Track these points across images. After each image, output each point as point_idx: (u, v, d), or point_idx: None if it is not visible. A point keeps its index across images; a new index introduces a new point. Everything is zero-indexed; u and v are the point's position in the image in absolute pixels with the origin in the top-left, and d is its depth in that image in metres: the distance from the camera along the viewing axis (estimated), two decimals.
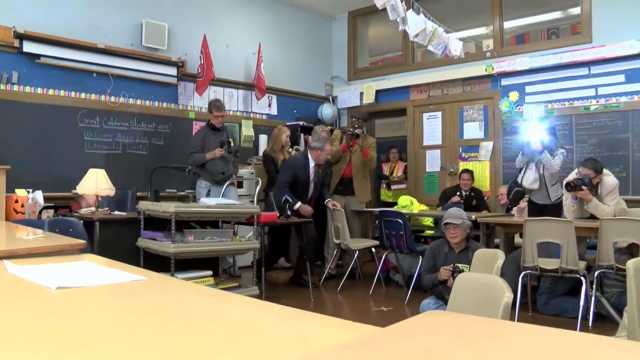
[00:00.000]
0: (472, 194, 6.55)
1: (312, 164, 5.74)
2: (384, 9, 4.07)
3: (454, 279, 3.95)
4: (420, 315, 1.23)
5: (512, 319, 4.12)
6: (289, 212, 5.12)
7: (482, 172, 6.91)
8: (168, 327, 1.18)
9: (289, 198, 5.22)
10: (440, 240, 4.50)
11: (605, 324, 4.16)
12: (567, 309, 4.43)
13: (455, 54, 4.88)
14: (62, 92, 5.75)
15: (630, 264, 1.79)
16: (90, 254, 2.24)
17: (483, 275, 1.72)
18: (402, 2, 3.86)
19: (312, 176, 5.76)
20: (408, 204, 6.43)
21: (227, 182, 5.44)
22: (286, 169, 5.78)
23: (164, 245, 4.01)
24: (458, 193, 6.56)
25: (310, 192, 5.81)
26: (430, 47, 4.58)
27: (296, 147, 7.29)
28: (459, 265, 4.07)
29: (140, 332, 1.14)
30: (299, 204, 5.50)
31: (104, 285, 1.62)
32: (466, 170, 6.65)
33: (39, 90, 5.60)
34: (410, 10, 4.10)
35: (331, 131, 6.41)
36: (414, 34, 4.22)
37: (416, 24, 4.13)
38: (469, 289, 1.64)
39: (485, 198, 6.74)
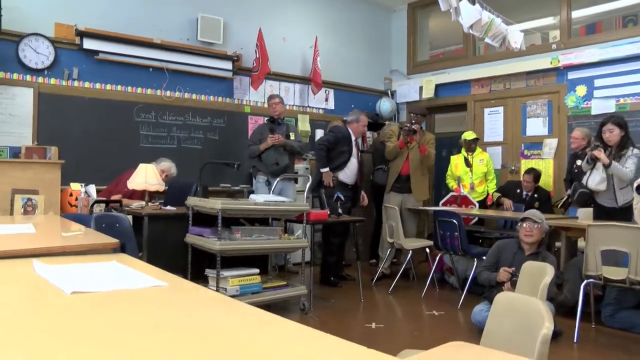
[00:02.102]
0: (536, 195, 6.21)
1: (353, 138, 5.83)
2: None
3: (512, 284, 3.75)
4: (445, 347, 1.09)
5: (571, 331, 3.88)
6: (340, 210, 5.00)
7: (545, 171, 6.54)
8: (168, 343, 1.09)
9: (340, 196, 5.10)
10: (510, 240, 4.29)
11: None
12: (636, 323, 4.09)
13: (516, 47, 4.60)
14: (119, 87, 5.87)
15: None
16: (121, 254, 2.20)
17: (525, 298, 1.54)
18: None
19: (354, 150, 5.80)
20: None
21: (282, 176, 5.44)
22: (330, 132, 6.00)
23: (210, 242, 3.99)
24: (518, 191, 6.26)
25: (355, 166, 5.79)
26: (487, 40, 4.33)
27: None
28: None
29: (140, 346, 1.06)
30: (326, 168, 5.64)
31: (120, 291, 1.56)
32: (530, 171, 6.26)
33: (97, 86, 5.73)
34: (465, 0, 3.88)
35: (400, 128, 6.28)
36: (468, 25, 3.99)
37: (470, 14, 3.90)
38: (508, 310, 1.48)
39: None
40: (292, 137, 5.90)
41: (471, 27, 3.99)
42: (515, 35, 4.50)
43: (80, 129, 5.57)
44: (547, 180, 6.52)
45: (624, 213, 4.66)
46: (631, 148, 4.69)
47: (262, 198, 4.36)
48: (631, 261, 3.79)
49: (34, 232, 2.67)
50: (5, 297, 1.46)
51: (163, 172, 5.03)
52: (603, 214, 4.80)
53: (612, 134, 4.66)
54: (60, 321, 1.24)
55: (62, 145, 5.24)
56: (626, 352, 3.69)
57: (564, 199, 5.72)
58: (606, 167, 4.62)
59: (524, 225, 4.04)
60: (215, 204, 3.96)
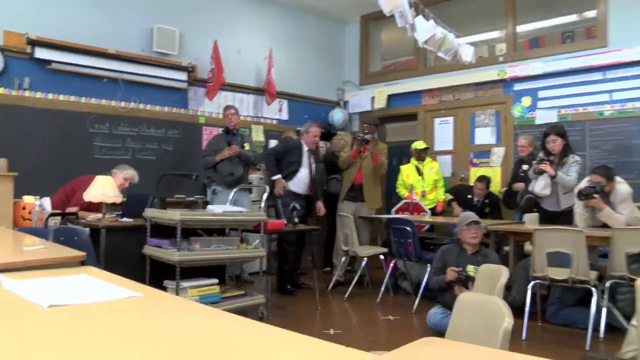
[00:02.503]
0: (487, 200, 6.48)
1: (305, 149, 5.99)
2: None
3: (461, 282, 3.95)
4: (417, 343, 1.20)
5: (520, 329, 4.09)
6: (296, 220, 5.09)
7: (493, 178, 6.82)
8: (156, 350, 1.15)
9: (297, 206, 5.19)
10: (451, 244, 4.50)
11: (617, 335, 4.07)
12: (577, 319, 4.35)
13: (467, 60, 4.83)
14: (72, 98, 5.79)
15: (639, 282, 1.73)
16: (89, 267, 2.22)
17: (485, 297, 1.68)
18: (411, 9, 3.82)
19: (305, 159, 5.94)
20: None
21: (238, 187, 5.47)
22: (280, 142, 6.22)
23: (169, 253, 4.00)
24: (469, 196, 6.50)
25: (305, 176, 5.92)
26: (439, 54, 4.53)
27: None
28: (470, 266, 4.12)
29: (129, 354, 1.11)
30: (278, 176, 5.81)
31: (97, 303, 1.60)
32: (482, 178, 6.51)
33: (50, 96, 5.65)
34: (420, 16, 4.05)
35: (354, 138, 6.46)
36: (423, 41, 4.18)
37: (425, 30, 4.09)
38: (471, 309, 1.61)
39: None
40: (247, 147, 5.95)
41: (426, 42, 4.18)
42: (466, 49, 4.72)
43: (31, 140, 5.46)
44: (495, 187, 6.80)
45: (565, 216, 4.96)
46: (572, 155, 5.03)
47: (220, 209, 4.39)
48: (573, 262, 4.05)
49: None
50: None
51: (126, 180, 5.02)
52: (547, 218, 5.10)
53: (555, 143, 4.97)
54: (45, 334, 1.28)
55: (13, 157, 5.10)
56: (569, 346, 3.97)
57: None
58: (552, 177, 4.92)
59: (472, 229, 4.25)
60: (174, 215, 3.98)
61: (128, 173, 5.10)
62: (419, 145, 6.79)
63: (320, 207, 6.08)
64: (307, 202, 5.93)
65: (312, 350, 1.17)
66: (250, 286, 5.34)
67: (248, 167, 6.11)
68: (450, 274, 4.09)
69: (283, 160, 5.89)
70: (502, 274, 1.94)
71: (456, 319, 1.67)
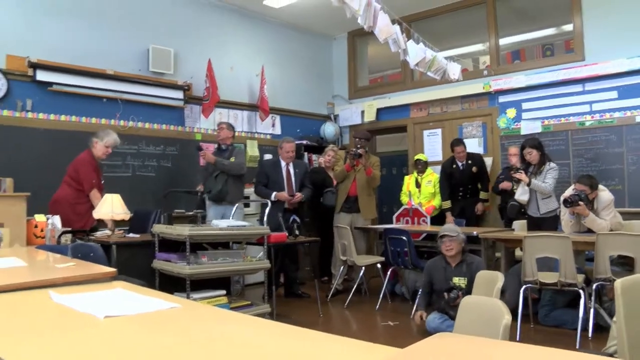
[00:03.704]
0: (470, 161, 6.66)
1: (283, 164, 6.24)
2: None
3: (449, 297, 4.25)
4: (432, 338, 1.41)
5: (514, 331, 4.32)
6: (297, 232, 5.30)
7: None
8: (213, 354, 1.35)
9: (296, 218, 5.41)
10: (436, 258, 4.71)
11: (604, 334, 4.31)
12: (567, 320, 4.60)
13: (454, 78, 5.10)
14: (73, 118, 5.95)
15: (618, 283, 1.96)
16: (120, 282, 2.40)
17: (485, 299, 1.91)
18: (402, 35, 4.08)
19: (284, 175, 6.20)
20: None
21: (242, 201, 5.67)
22: (259, 169, 6.44)
23: (179, 266, 4.18)
24: (454, 166, 6.67)
25: (286, 188, 6.15)
26: (429, 73, 4.79)
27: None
28: (455, 278, 4.41)
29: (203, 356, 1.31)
30: (274, 193, 6.00)
31: (145, 313, 1.79)
32: (457, 142, 6.66)
33: (52, 117, 5.79)
34: (411, 40, 4.31)
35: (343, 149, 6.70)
36: (414, 63, 4.44)
37: (416, 53, 4.35)
38: (473, 311, 1.83)
39: (486, 212, 6.95)
40: (233, 159, 6.08)
41: (417, 64, 4.43)
42: (453, 67, 4.99)
43: (35, 159, 5.59)
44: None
45: (547, 221, 5.32)
46: (548, 163, 5.38)
47: (224, 223, 4.58)
48: (561, 266, 4.30)
49: (26, 265, 2.81)
50: (44, 324, 1.65)
51: (107, 147, 5.13)
52: (532, 223, 5.43)
53: (531, 155, 5.36)
54: (107, 342, 1.45)
55: (17, 177, 5.25)
56: (560, 345, 4.15)
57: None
58: (527, 185, 5.29)
59: (444, 241, 4.49)
60: (183, 231, 4.16)
61: (108, 140, 5.15)
62: (420, 157, 7.05)
63: (298, 195, 6.14)
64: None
65: (348, 347, 1.38)
66: (251, 296, 5.53)
67: (239, 182, 6.14)
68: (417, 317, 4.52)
69: (269, 180, 6.17)
70: (498, 278, 2.17)
71: (461, 320, 1.89)
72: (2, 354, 1.27)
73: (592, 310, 4.36)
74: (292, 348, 1.42)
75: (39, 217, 4.47)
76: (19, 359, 1.26)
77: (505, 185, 6.17)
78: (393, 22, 4.20)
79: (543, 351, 1.17)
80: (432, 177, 6.91)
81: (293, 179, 6.22)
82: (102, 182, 5.21)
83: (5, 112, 5.49)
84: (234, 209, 5.46)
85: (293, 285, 6.24)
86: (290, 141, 6.30)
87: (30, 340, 1.44)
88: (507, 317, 1.66)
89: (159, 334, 1.54)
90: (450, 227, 4.62)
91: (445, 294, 4.29)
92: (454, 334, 1.43)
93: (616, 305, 1.80)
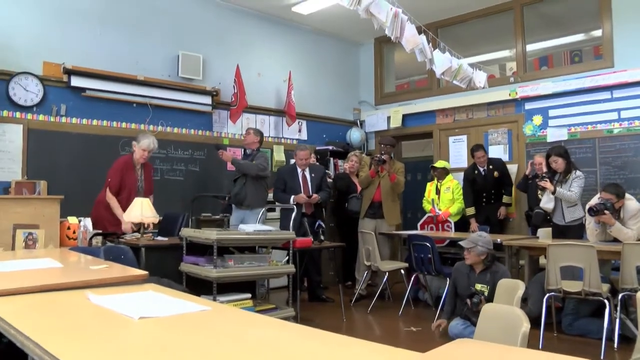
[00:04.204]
0: (491, 166, 6.69)
1: (299, 170, 6.28)
2: None
3: (472, 303, 4.26)
4: (453, 343, 1.46)
5: (536, 339, 4.32)
6: (322, 237, 5.37)
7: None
8: (243, 355, 1.43)
9: (321, 224, 5.48)
10: (463, 262, 4.72)
11: (630, 345, 4.28)
12: (592, 330, 4.57)
13: (480, 86, 5.12)
14: (105, 123, 6.12)
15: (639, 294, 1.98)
16: (152, 284, 2.49)
17: (505, 307, 1.96)
18: (429, 45, 4.13)
19: (300, 180, 6.25)
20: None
21: (268, 206, 5.76)
22: (277, 176, 6.47)
23: (207, 270, 4.27)
24: (476, 172, 6.71)
25: (302, 192, 6.18)
26: (454, 82, 4.82)
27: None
28: (478, 285, 4.41)
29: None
30: (292, 197, 6.07)
31: (177, 315, 1.87)
32: (477, 148, 6.72)
33: (84, 121, 5.98)
34: (437, 50, 4.36)
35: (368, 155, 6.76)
36: (440, 72, 4.48)
37: (442, 62, 4.40)
38: (493, 318, 1.88)
39: (511, 220, 6.93)
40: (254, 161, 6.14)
41: (443, 73, 4.48)
42: (479, 75, 5.01)
43: (68, 163, 5.78)
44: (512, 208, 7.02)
45: (572, 230, 5.30)
46: (574, 171, 5.34)
47: (251, 228, 4.67)
48: (585, 275, 4.28)
49: (61, 266, 2.94)
50: (88, 324, 1.75)
51: (144, 151, 5.20)
52: (557, 231, 5.42)
53: (557, 164, 5.33)
54: (141, 342, 1.55)
55: (51, 180, 5.40)
56: (584, 355, 4.13)
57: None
58: (553, 193, 5.26)
59: (465, 251, 4.54)
60: (210, 235, 4.25)
61: (143, 143, 5.21)
62: (436, 164, 7.06)
63: (315, 197, 6.17)
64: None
65: (370, 351, 1.45)
66: (274, 300, 5.61)
67: (261, 186, 6.15)
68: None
69: (286, 186, 6.23)
70: (519, 287, 2.21)
71: (481, 327, 1.94)
72: (56, 352, 1.36)
73: (617, 321, 4.34)
74: (317, 350, 1.48)
75: (72, 219, 4.62)
76: (70, 358, 1.35)
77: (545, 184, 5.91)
78: (419, 31, 4.27)
79: (557, 359, 1.22)
80: (451, 184, 6.91)
81: (309, 183, 6.26)
82: (139, 185, 5.29)
83: (41, 117, 5.68)
84: (260, 215, 5.55)
85: (317, 289, 6.31)
86: (304, 149, 6.37)
87: (77, 339, 1.54)
88: (526, 325, 1.70)
89: (190, 335, 1.62)
90: (471, 238, 4.58)
91: (468, 300, 4.31)
92: (474, 340, 1.49)
93: (639, 314, 1.82)
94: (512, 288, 2.24)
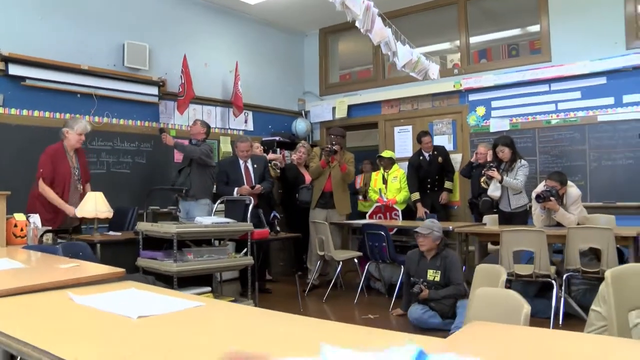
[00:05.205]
0: (435, 152, 6.92)
1: (241, 162, 6.24)
2: (354, 25, 4.36)
3: (412, 293, 4.56)
4: (469, 326, 1.53)
5: None
6: (278, 228, 5.38)
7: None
8: (251, 345, 1.44)
9: (277, 215, 5.48)
10: (415, 250, 4.90)
11: (572, 321, 4.59)
12: (539, 309, 4.83)
13: (433, 77, 5.28)
14: (47, 114, 5.84)
15: (609, 273, 2.12)
16: (131, 282, 2.44)
17: (501, 290, 2.06)
18: (393, 38, 4.23)
19: (243, 171, 6.23)
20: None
21: (224, 198, 5.68)
22: (219, 169, 6.37)
23: (166, 264, 4.20)
24: (421, 157, 6.92)
25: (245, 184, 6.14)
26: (412, 74, 4.95)
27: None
28: (430, 271, 4.65)
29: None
30: (235, 190, 6.01)
31: (175, 312, 1.85)
32: (424, 134, 6.94)
33: (25, 112, 5.69)
34: (399, 42, 4.46)
35: (312, 146, 6.75)
36: (402, 65, 4.59)
37: (404, 56, 4.50)
38: (488, 302, 1.97)
39: (456, 207, 7.19)
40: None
41: (404, 65, 4.58)
42: (433, 67, 5.16)
43: (7, 156, 5.49)
44: (454, 191, 7.26)
45: (518, 216, 5.59)
46: (519, 160, 5.65)
47: (209, 220, 4.62)
48: (536, 258, 4.54)
49: (26, 266, 2.81)
50: (83, 325, 1.70)
51: (80, 134, 4.97)
52: (503, 218, 5.70)
53: (503, 153, 5.62)
54: (147, 341, 1.52)
55: None
56: None
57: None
58: (500, 182, 5.54)
59: (417, 237, 4.73)
60: (170, 229, 4.18)
61: (79, 127, 4.98)
62: (383, 154, 7.20)
63: (258, 187, 6.14)
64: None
65: (359, 335, 1.49)
66: (228, 292, 5.60)
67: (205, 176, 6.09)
68: (423, 294, 4.57)
69: (229, 178, 6.17)
70: (502, 272, 2.32)
71: (474, 311, 2.02)
72: (65, 356, 1.32)
73: (562, 300, 4.61)
74: (320, 336, 1.51)
75: (19, 216, 4.40)
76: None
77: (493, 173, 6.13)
78: (385, 24, 4.34)
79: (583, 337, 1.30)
80: (398, 173, 7.06)
81: (252, 174, 6.23)
82: (76, 173, 4.99)
83: None
84: (208, 206, 5.52)
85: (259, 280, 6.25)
86: (245, 140, 6.33)
87: (78, 342, 1.50)
88: (527, 307, 1.80)
89: (194, 332, 1.61)
90: (425, 224, 4.79)
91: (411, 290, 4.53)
92: (489, 323, 1.55)
93: (607, 293, 1.96)
94: (493, 273, 2.34)
